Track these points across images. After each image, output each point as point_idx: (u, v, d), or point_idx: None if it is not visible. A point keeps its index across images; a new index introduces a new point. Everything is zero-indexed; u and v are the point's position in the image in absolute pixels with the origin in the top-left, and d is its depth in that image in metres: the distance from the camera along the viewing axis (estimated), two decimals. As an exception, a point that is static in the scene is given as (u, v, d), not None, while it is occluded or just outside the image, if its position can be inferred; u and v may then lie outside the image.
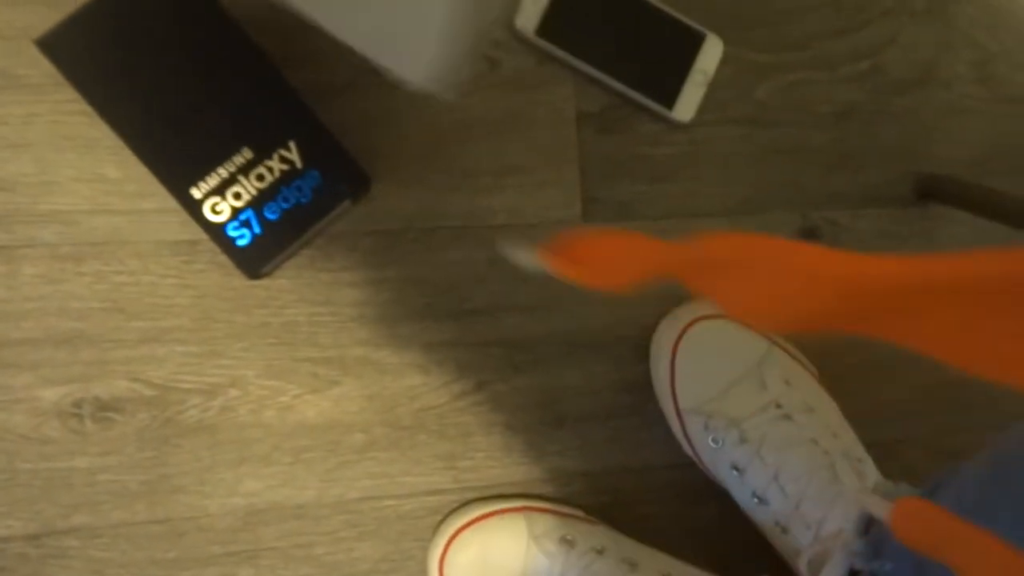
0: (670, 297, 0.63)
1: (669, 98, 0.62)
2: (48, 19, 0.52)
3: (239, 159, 0.51)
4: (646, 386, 0.63)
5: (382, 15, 0.41)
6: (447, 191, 0.61)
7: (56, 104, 0.56)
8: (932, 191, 0.66)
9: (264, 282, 0.58)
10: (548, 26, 0.61)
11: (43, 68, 0.53)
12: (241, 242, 0.51)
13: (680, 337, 0.60)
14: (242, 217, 0.52)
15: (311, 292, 0.59)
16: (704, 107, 0.63)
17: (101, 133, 0.54)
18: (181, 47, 0.52)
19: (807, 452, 0.57)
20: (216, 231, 0.51)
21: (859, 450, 0.59)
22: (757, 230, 0.65)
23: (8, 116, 0.55)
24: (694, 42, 0.63)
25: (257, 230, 0.52)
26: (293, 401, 0.59)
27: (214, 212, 0.51)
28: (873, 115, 0.66)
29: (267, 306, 0.58)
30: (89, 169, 0.56)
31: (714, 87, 0.63)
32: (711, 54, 0.63)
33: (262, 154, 0.52)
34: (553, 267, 0.42)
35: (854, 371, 0.64)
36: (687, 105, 0.63)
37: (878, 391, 0.66)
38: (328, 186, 0.53)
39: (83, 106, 0.52)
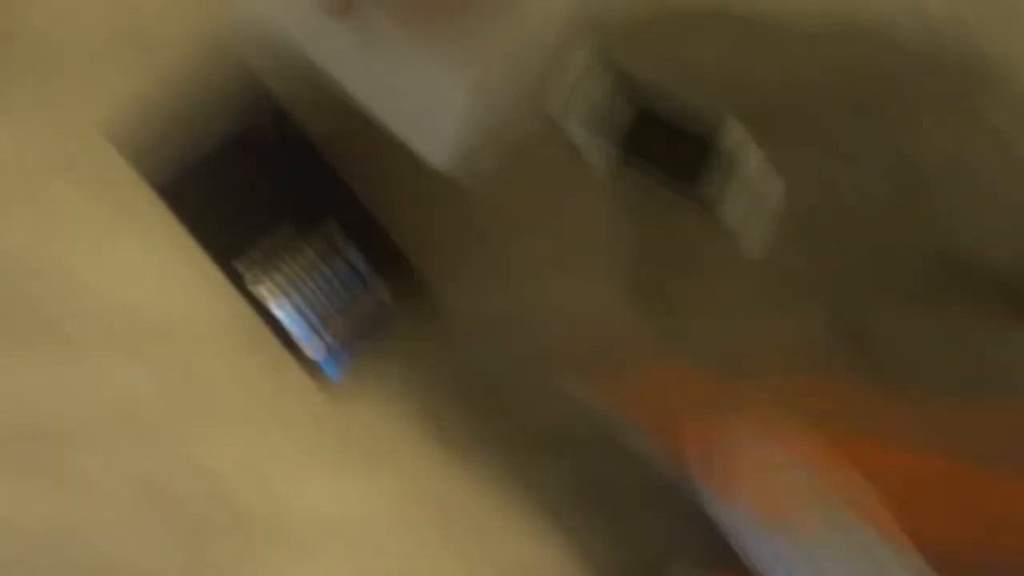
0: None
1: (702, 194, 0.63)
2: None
3: (312, 268, 0.54)
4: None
5: (413, 106, 0.50)
6: (502, 293, 0.62)
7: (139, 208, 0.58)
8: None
9: (327, 387, 0.59)
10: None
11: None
12: (314, 353, 0.53)
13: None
14: (315, 328, 0.53)
15: (371, 396, 0.59)
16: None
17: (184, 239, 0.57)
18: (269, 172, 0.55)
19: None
20: (290, 341, 0.53)
21: None
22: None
23: (94, 210, 0.59)
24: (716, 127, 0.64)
25: (330, 341, 0.53)
26: (347, 502, 0.59)
27: (280, 311, 0.53)
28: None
29: (328, 410, 0.59)
30: (170, 268, 0.58)
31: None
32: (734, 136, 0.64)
33: (327, 259, 0.54)
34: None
35: None
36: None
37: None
38: (396, 298, 0.55)
39: (161, 207, 0.56)
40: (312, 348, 0.53)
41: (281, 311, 0.54)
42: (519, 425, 0.61)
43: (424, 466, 0.60)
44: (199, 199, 0.54)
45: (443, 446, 0.60)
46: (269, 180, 0.55)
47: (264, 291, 0.54)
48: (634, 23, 0.63)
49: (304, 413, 0.59)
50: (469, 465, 0.60)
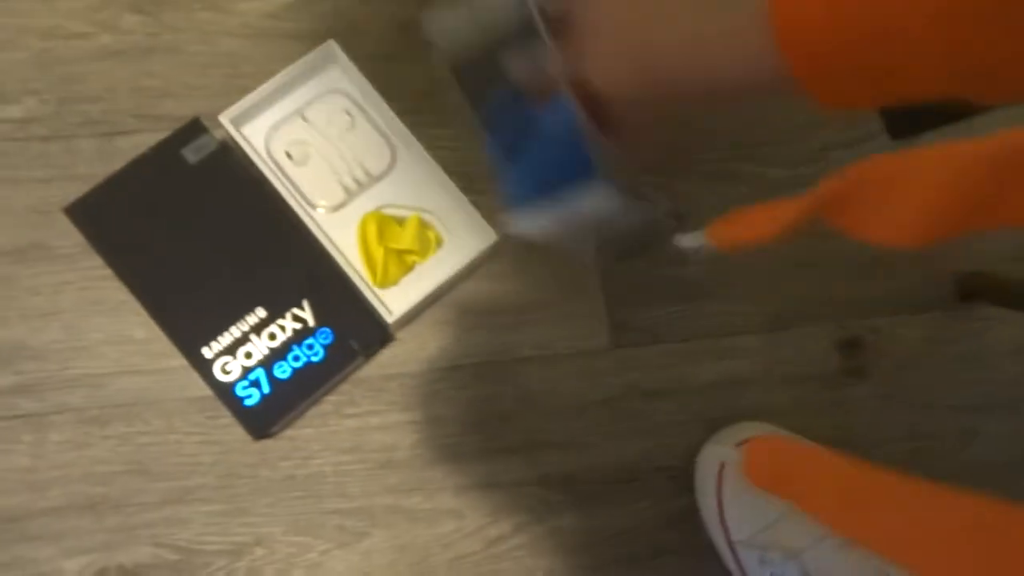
0: (710, 420, 0.60)
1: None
2: (79, 192, 0.54)
3: (252, 319, 0.51)
4: (692, 518, 0.59)
5: None
6: (469, 330, 0.60)
7: (85, 272, 0.57)
8: (975, 290, 0.63)
9: (289, 432, 0.57)
10: None
11: (74, 239, 0.56)
12: (249, 402, 0.51)
13: (726, 463, 0.57)
14: (251, 377, 0.51)
15: (337, 440, 0.58)
16: (724, 225, 0.62)
17: (128, 296, 0.55)
18: (200, 210, 0.53)
19: (877, 581, 0.52)
20: (224, 390, 0.51)
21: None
22: (793, 344, 0.62)
23: (41, 286, 0.57)
24: None
25: (266, 390, 0.51)
26: (321, 557, 0.57)
27: (224, 372, 0.51)
28: (899, 220, 0.64)
29: (291, 458, 0.57)
30: (116, 332, 0.57)
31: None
32: None
33: (275, 313, 0.52)
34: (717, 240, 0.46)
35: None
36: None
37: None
38: (341, 344, 0.52)
39: (110, 271, 0.53)
40: (252, 399, 0.52)
41: (240, 390, 0.52)
42: (517, 477, 0.59)
43: (409, 524, 0.58)
44: (162, 279, 0.54)
45: (431, 501, 0.58)
46: (240, 262, 0.53)
47: (227, 374, 0.51)
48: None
49: (277, 476, 0.57)
50: (461, 520, 0.58)
